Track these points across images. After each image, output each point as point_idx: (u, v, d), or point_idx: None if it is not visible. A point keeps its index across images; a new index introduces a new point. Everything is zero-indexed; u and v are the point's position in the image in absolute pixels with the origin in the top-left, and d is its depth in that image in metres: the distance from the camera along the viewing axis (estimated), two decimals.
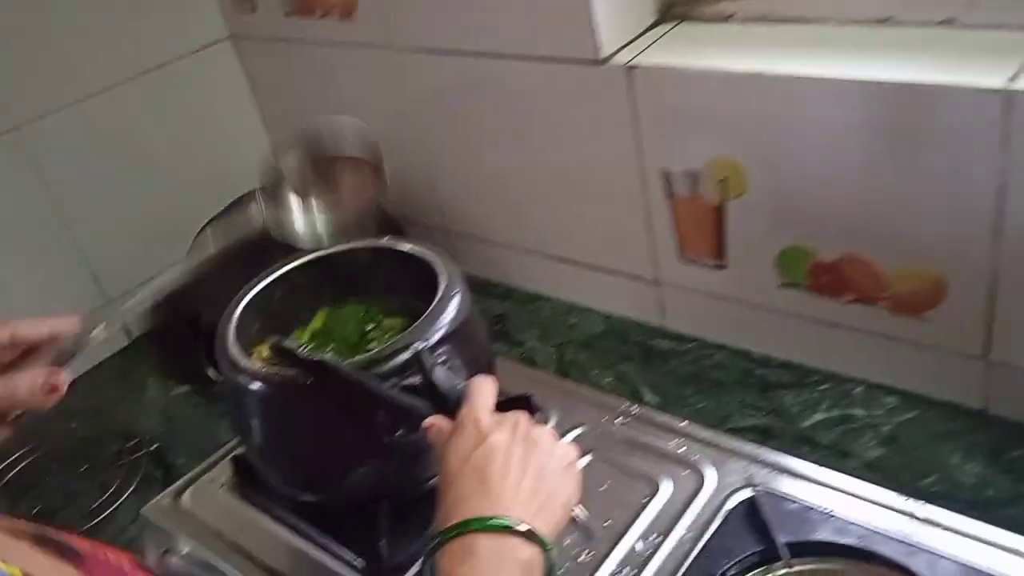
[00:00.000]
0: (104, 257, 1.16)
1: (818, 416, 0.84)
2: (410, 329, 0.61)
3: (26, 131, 1.07)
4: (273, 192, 0.69)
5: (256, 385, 0.60)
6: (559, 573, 0.59)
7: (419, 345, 0.56)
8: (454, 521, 0.48)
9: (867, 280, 0.81)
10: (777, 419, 0.84)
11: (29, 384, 0.57)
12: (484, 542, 0.47)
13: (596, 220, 0.99)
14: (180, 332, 1.07)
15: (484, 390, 0.54)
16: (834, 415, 0.84)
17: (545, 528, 0.49)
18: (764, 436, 0.80)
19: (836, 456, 0.77)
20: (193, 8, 1.21)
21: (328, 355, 0.56)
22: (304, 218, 0.69)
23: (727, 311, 0.93)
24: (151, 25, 1.16)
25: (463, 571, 0.47)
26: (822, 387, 0.87)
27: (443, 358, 0.60)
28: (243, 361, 0.61)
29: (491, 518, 0.48)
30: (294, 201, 0.70)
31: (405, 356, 0.59)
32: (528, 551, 0.48)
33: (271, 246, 1.02)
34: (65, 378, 0.59)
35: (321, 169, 0.71)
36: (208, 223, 1.11)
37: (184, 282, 1.09)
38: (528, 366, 0.89)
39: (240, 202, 1.12)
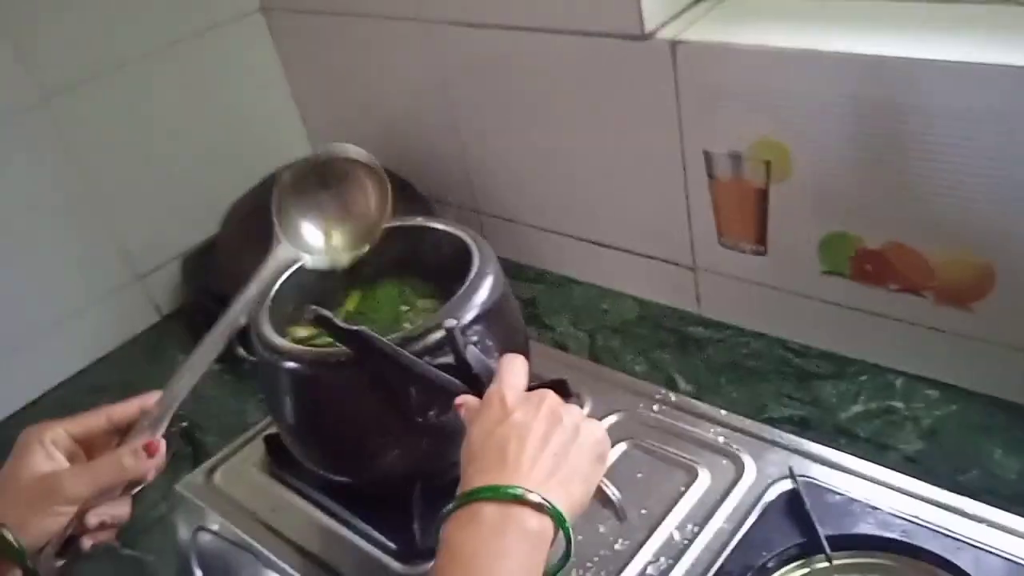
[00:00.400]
0: (133, 232, 1.16)
1: (857, 408, 0.82)
2: (443, 308, 0.60)
3: (56, 103, 1.06)
4: (286, 215, 0.74)
5: (291, 364, 0.59)
6: (594, 559, 0.58)
7: (451, 324, 0.55)
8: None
9: (913, 269, 0.78)
10: (815, 410, 0.83)
11: (131, 454, 0.62)
12: (489, 509, 0.47)
13: (633, 203, 0.97)
14: (210, 310, 1.06)
15: (513, 368, 0.53)
16: (873, 407, 0.82)
17: (562, 503, 0.48)
18: (801, 427, 0.79)
19: (875, 449, 0.76)
20: None
21: (363, 327, 0.55)
22: (318, 237, 0.73)
23: (765, 298, 0.91)
24: None
25: (462, 536, 0.47)
26: (861, 378, 0.85)
27: (475, 338, 0.58)
28: (278, 340, 0.61)
29: (501, 487, 0.47)
30: (307, 223, 0.74)
31: (438, 335, 0.58)
32: (537, 521, 0.47)
33: None
34: (160, 441, 0.64)
35: (331, 190, 0.75)
36: (239, 199, 1.11)
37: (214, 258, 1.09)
38: (561, 351, 0.88)
39: (271, 177, 1.11)
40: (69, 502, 0.59)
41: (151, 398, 0.67)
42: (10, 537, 0.56)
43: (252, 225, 1.06)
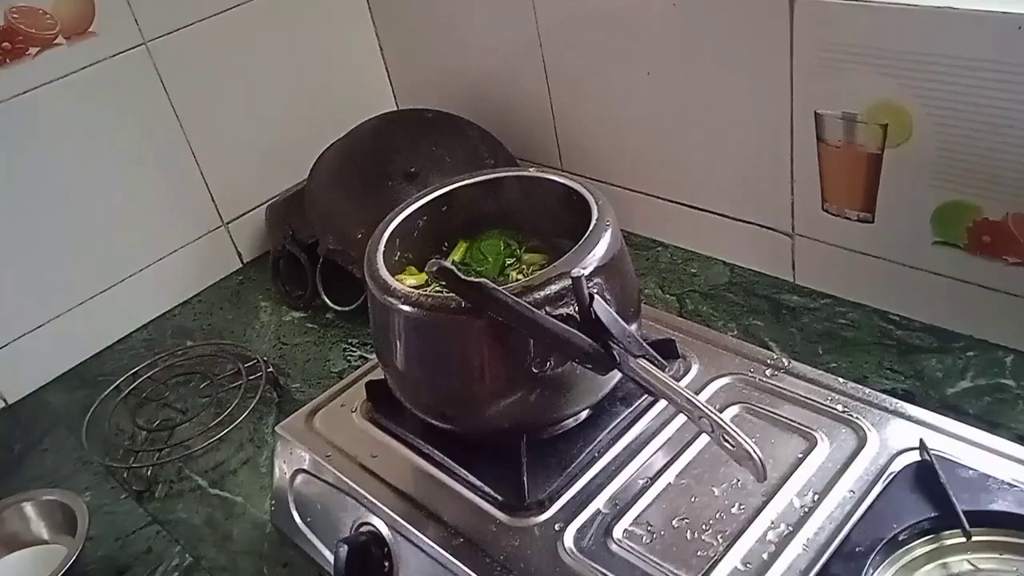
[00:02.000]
0: (222, 180, 1.17)
1: (964, 384, 0.80)
2: (564, 259, 0.59)
3: (157, 47, 1.06)
4: None
5: (409, 309, 0.58)
6: (709, 522, 0.56)
7: (579, 273, 0.54)
8: None
9: None
10: (919, 384, 0.80)
11: None
12: None
13: (731, 165, 0.94)
14: (296, 257, 1.07)
15: None
16: (982, 383, 0.79)
17: None
18: (905, 401, 0.76)
19: (985, 427, 0.73)
20: None
21: (484, 279, 0.53)
22: None
23: (868, 268, 0.88)
24: None
25: None
26: (969, 353, 0.82)
27: (595, 291, 0.57)
28: (396, 284, 0.60)
29: None
30: None
31: (558, 286, 0.56)
32: None
33: (390, 175, 1.01)
34: None
35: None
36: (326, 149, 1.10)
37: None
38: (670, 313, 0.86)
39: (356, 130, 1.11)
40: None
41: None
42: None
43: (339, 176, 1.07)
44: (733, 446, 0.49)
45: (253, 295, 1.16)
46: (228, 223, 1.19)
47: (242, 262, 1.22)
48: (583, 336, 0.54)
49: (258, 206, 1.20)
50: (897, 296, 0.88)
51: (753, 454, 0.48)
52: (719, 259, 1.02)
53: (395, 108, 1.30)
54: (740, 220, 0.97)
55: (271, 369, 0.99)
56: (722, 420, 0.50)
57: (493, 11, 1.08)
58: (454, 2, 1.12)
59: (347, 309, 1.03)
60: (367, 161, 1.04)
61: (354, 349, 1.02)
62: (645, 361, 0.54)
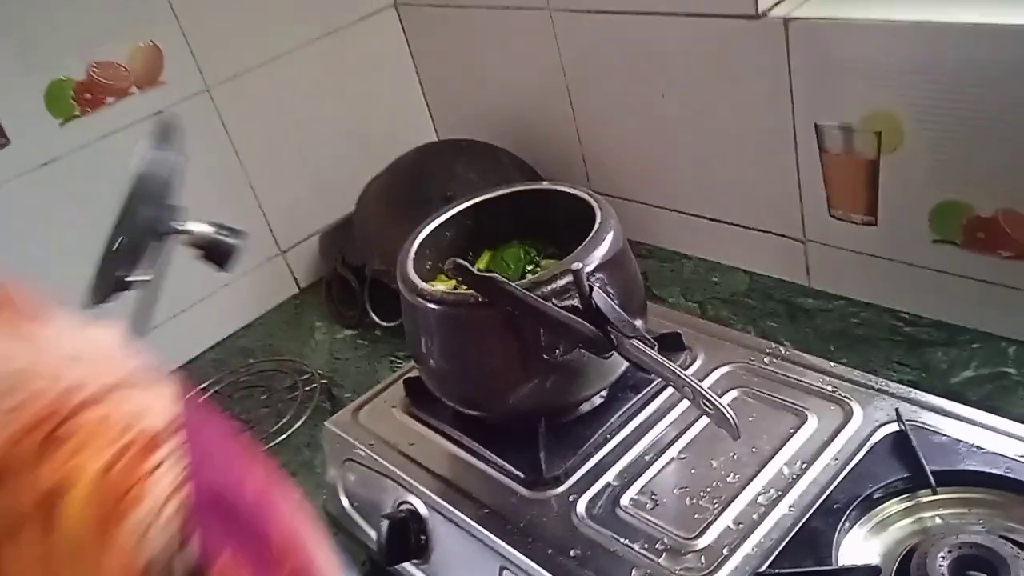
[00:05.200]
0: (278, 211, 1.27)
1: (968, 373, 0.84)
2: (569, 256, 0.66)
3: (217, 91, 1.18)
4: None
5: (434, 305, 0.66)
6: (706, 489, 0.63)
7: (577, 266, 0.61)
8: None
9: None
10: (925, 374, 0.84)
11: None
12: None
13: (743, 177, 1.00)
14: (346, 280, 1.16)
15: None
16: (984, 372, 0.83)
17: None
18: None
19: (986, 411, 0.77)
20: None
21: (496, 273, 0.61)
22: None
23: (876, 269, 0.93)
24: None
25: None
26: (973, 345, 0.86)
27: (598, 285, 0.64)
28: (423, 284, 0.68)
29: None
30: None
31: (564, 280, 0.64)
32: None
33: (429, 200, 1.10)
34: None
35: None
36: (372, 180, 1.20)
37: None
38: (674, 311, 0.93)
39: (400, 160, 1.20)
40: None
41: None
42: None
43: (383, 203, 1.16)
44: (712, 410, 0.56)
45: (309, 316, 1.26)
46: (285, 251, 1.30)
47: (298, 287, 1.32)
48: (584, 322, 0.61)
49: (312, 235, 1.31)
50: (904, 294, 0.92)
51: (727, 414, 0.54)
52: (739, 267, 1.08)
53: (434, 139, 1.40)
54: (756, 229, 1.03)
55: (325, 381, 1.08)
56: (700, 386, 0.57)
57: (520, 47, 1.17)
58: (488, 34, 1.21)
59: (393, 324, 1.12)
60: (408, 188, 1.13)
61: (400, 361, 1.11)
62: (638, 342, 0.61)
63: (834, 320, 0.95)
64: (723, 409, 0.55)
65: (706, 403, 0.56)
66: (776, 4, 0.87)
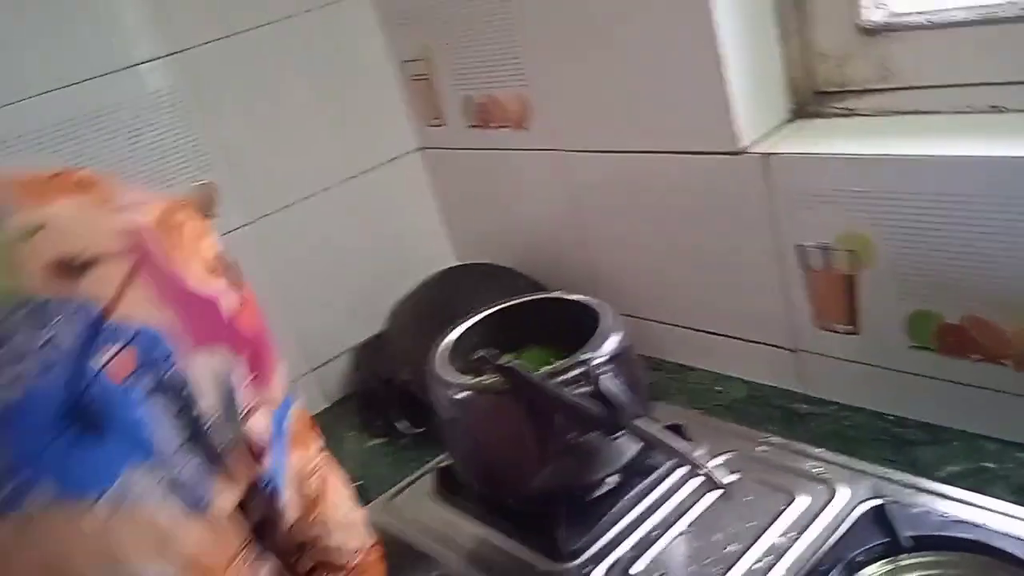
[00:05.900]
0: (311, 331, 1.38)
1: (952, 467, 0.89)
2: (579, 351, 0.76)
3: (258, 224, 1.32)
4: None
5: (461, 395, 0.76)
6: (708, 559, 0.69)
7: (587, 357, 0.71)
8: None
9: (991, 340, 0.88)
10: (912, 468, 0.91)
11: None
12: None
13: (737, 294, 1.11)
14: (376, 391, 1.26)
15: None
16: (968, 467, 0.90)
17: None
18: None
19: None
20: (391, 125, 1.46)
21: (515, 362, 0.71)
22: None
23: (862, 374, 1.01)
24: (353, 139, 1.41)
25: None
26: (955, 443, 0.93)
27: (607, 373, 0.74)
28: (451, 377, 0.78)
29: None
30: None
31: (576, 371, 0.73)
32: None
33: (453, 318, 1.21)
34: None
35: None
36: (402, 299, 1.32)
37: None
38: (677, 406, 1.01)
39: (427, 281, 1.32)
40: None
41: None
42: None
43: (412, 320, 1.27)
44: (704, 473, 0.64)
45: (340, 427, 1.34)
46: (317, 368, 1.39)
47: (328, 403, 1.41)
48: (593, 403, 0.70)
49: (342, 353, 1.41)
50: (889, 398, 1.00)
51: (712, 474, 0.63)
52: (739, 377, 1.17)
53: (453, 263, 1.52)
54: (752, 341, 1.13)
55: (360, 482, 1.15)
56: (692, 456, 0.65)
57: (537, 178, 1.30)
58: (504, 172, 1.34)
59: (421, 431, 1.20)
60: (434, 307, 1.25)
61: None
62: (641, 420, 0.70)
63: (828, 423, 1.03)
64: (709, 471, 0.63)
65: (699, 468, 0.64)
66: (756, 142, 1.00)
